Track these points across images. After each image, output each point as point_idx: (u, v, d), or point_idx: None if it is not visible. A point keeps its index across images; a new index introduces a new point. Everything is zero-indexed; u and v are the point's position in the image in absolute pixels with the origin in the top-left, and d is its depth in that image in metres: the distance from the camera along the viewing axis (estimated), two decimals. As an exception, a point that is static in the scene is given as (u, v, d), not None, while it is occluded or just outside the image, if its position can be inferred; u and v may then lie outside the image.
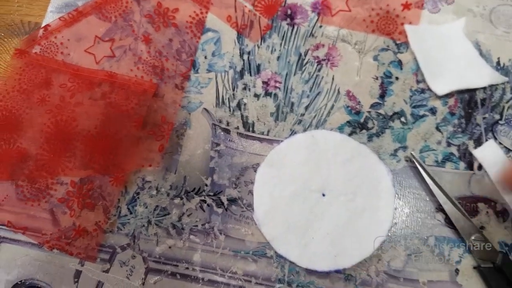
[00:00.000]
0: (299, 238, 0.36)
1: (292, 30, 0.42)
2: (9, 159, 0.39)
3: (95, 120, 0.39)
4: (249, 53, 0.42)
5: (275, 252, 0.36)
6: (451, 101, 0.40)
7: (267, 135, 0.40)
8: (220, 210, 0.38)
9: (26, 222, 0.38)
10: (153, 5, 0.43)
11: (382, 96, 0.40)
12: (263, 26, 0.43)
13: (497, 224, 0.36)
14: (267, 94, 0.41)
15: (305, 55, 0.42)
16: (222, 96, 0.41)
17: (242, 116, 0.40)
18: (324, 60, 0.42)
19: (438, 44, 0.41)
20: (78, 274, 0.37)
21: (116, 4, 0.43)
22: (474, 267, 0.35)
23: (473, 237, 0.35)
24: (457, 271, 0.35)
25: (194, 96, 0.41)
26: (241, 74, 0.42)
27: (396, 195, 0.37)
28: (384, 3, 0.42)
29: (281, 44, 0.42)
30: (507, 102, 0.39)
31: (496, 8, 0.42)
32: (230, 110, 0.40)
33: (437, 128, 0.39)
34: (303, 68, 0.41)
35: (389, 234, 0.36)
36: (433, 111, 0.39)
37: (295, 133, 0.39)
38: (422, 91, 0.40)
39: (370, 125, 0.39)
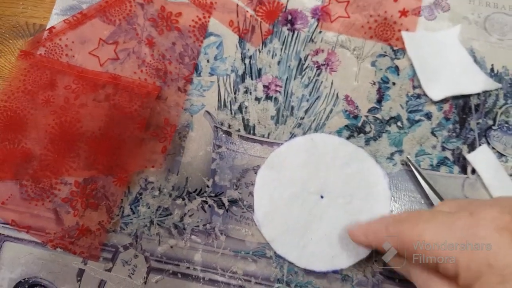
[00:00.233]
0: (297, 239, 0.37)
1: (293, 35, 0.43)
2: (13, 159, 0.39)
3: (99, 122, 0.40)
4: (250, 57, 0.43)
5: (275, 252, 0.37)
6: (446, 107, 0.41)
7: (268, 137, 0.40)
8: (221, 211, 0.38)
9: (30, 221, 0.38)
10: (156, 9, 0.44)
11: (379, 101, 0.41)
12: (264, 31, 0.44)
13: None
14: (268, 97, 0.42)
15: (305, 60, 0.43)
16: (224, 99, 0.42)
17: (243, 119, 0.41)
18: (323, 65, 0.42)
19: (434, 51, 0.42)
20: (81, 272, 0.37)
21: (120, 7, 0.44)
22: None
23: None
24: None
25: (197, 99, 0.42)
26: (243, 78, 0.42)
27: (392, 198, 0.38)
28: (382, 10, 0.44)
29: (281, 49, 0.43)
30: (500, 108, 0.40)
31: (491, 16, 0.43)
32: (231, 113, 0.41)
33: (432, 133, 0.40)
34: (303, 73, 0.42)
35: (385, 235, 0.37)
36: (428, 116, 0.40)
37: (295, 136, 0.40)
38: (418, 96, 0.41)
39: (367, 129, 0.40)
